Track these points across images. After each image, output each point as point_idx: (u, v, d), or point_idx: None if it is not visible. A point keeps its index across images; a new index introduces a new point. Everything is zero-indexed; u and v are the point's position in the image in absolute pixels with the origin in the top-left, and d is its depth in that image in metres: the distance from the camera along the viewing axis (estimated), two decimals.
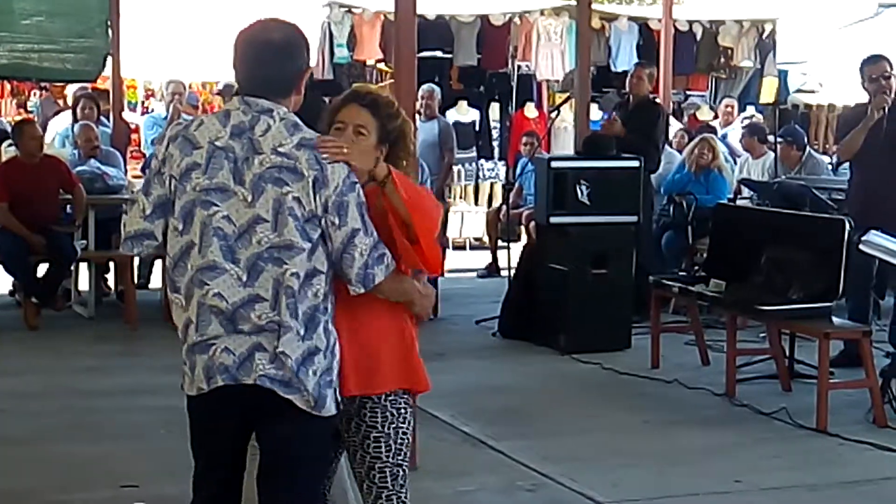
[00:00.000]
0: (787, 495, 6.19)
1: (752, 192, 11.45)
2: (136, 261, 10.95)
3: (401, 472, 4.00)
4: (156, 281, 11.30)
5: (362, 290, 3.74)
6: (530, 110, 17.09)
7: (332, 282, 3.75)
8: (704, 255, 10.15)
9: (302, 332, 3.68)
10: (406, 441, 4.00)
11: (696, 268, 10.36)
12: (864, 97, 8.79)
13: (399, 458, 3.98)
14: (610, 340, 9.47)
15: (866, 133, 8.57)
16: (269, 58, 3.78)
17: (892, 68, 8.62)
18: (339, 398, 3.80)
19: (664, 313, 9.84)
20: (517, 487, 6.19)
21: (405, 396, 3.99)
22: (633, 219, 9.71)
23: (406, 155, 4.02)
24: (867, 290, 8.75)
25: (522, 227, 12.37)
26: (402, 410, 3.98)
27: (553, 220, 9.50)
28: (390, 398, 3.95)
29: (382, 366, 3.91)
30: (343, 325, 3.80)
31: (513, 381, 8.73)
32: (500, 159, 17.03)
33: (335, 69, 16.22)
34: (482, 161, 16.94)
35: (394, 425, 3.96)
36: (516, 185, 13.23)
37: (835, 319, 7.78)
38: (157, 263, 11.21)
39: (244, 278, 3.69)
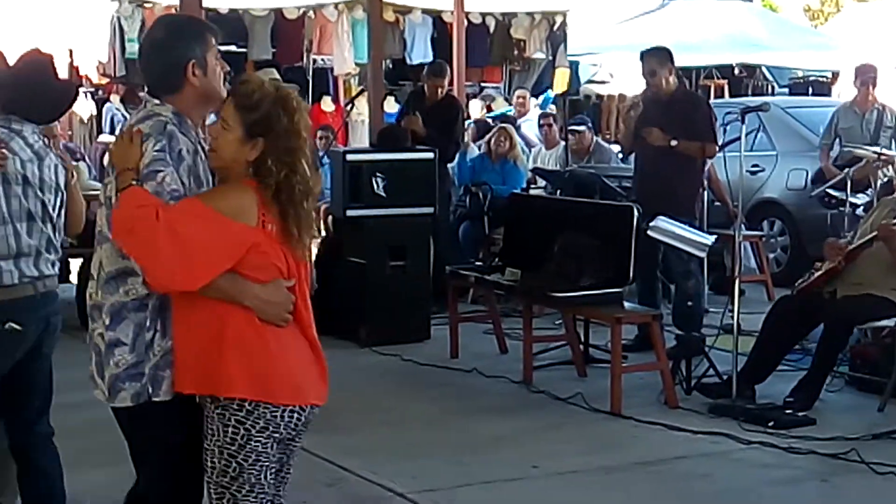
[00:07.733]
0: (583, 478, 6.30)
1: (545, 182, 11.64)
2: None
3: (227, 496, 3.71)
4: None
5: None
6: (327, 104, 17.06)
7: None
8: (501, 244, 10.28)
9: (107, 322, 3.76)
10: (233, 464, 3.68)
11: (494, 257, 10.49)
12: None
13: (223, 478, 3.70)
14: (409, 332, 9.50)
15: (633, 127, 9.02)
16: (141, 57, 3.95)
17: (661, 64, 8.90)
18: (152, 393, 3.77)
19: (462, 303, 9.94)
20: (317, 482, 6.15)
21: (238, 412, 3.67)
22: (430, 210, 9.75)
23: (283, 151, 3.73)
24: (654, 274, 8.99)
25: (321, 221, 12.33)
26: (227, 425, 3.67)
27: (350, 213, 9.48)
28: (217, 410, 3.68)
29: (179, 367, 3.75)
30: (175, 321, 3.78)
31: None
32: None
33: (127, 65, 15.90)
34: None
35: (218, 442, 3.69)
36: None
37: (626, 304, 7.95)
38: None
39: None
